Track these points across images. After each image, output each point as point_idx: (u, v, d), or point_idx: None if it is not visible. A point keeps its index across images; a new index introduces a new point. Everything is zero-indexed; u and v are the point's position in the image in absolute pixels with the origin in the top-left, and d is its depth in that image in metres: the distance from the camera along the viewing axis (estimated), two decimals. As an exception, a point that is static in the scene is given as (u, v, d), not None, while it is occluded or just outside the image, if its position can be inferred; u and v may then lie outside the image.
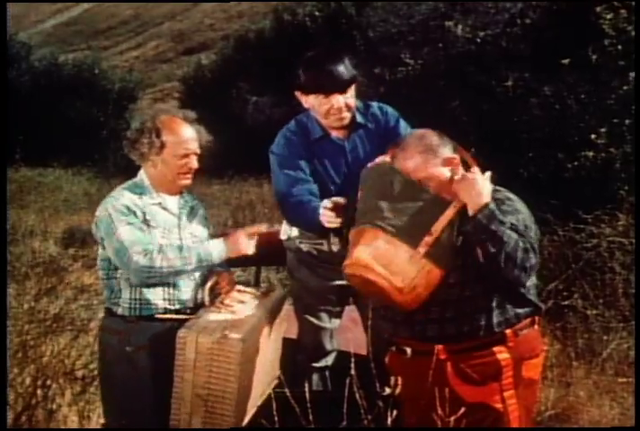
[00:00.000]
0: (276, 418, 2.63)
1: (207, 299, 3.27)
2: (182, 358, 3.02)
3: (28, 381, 4.13)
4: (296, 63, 3.49)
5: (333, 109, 3.42)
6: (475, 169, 2.84)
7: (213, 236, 3.35)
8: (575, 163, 6.86)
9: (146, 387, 3.13)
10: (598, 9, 7.43)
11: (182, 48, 24.77)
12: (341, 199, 3.16)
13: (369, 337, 2.96)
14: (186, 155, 3.22)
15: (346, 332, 3.70)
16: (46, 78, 17.52)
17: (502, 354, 2.80)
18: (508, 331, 2.82)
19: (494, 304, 2.80)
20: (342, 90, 3.40)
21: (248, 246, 3.22)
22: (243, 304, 3.24)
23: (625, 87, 6.87)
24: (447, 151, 2.86)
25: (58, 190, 12.26)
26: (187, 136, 3.23)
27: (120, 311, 3.18)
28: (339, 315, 3.75)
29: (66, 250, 8.50)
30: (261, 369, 3.23)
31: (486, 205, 2.72)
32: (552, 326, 5.14)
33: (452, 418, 2.51)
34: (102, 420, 3.49)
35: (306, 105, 3.51)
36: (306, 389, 2.72)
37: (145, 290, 3.16)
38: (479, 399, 2.78)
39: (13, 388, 4.03)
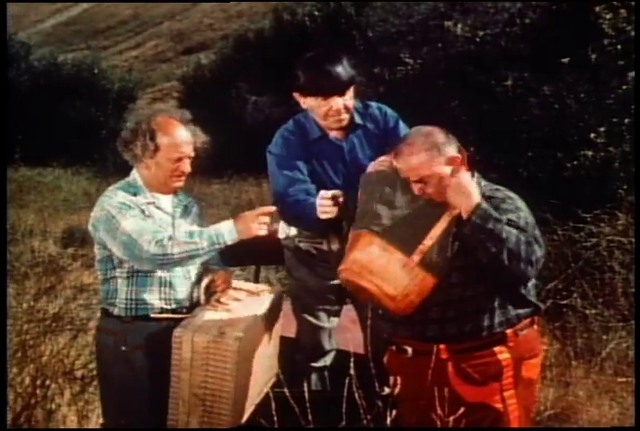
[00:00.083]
0: (275, 418, 2.63)
1: (203, 298, 3.26)
2: (179, 357, 3.02)
3: (27, 380, 4.12)
4: (295, 63, 3.49)
5: (332, 110, 3.42)
6: (461, 172, 2.82)
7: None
8: (575, 163, 6.86)
9: (144, 387, 3.13)
10: (597, 9, 7.43)
11: (181, 48, 24.76)
12: (337, 192, 3.16)
13: (368, 336, 2.96)
14: (179, 159, 3.20)
15: (345, 332, 3.70)
16: (45, 78, 17.50)
17: (502, 354, 2.81)
18: (509, 331, 2.83)
19: (496, 304, 2.81)
20: (341, 92, 3.40)
21: (259, 227, 3.11)
22: (239, 302, 3.24)
23: (624, 87, 6.87)
24: (451, 150, 2.85)
25: (58, 190, 12.26)
26: (181, 139, 3.20)
27: (116, 311, 3.18)
28: (337, 314, 3.75)
29: (65, 250, 8.49)
30: (258, 367, 3.22)
31: (478, 205, 2.71)
32: (551, 325, 5.14)
33: (451, 418, 2.51)
34: (101, 420, 3.49)
35: (304, 106, 3.51)
36: (305, 389, 2.72)
37: (141, 290, 3.16)
38: (479, 399, 2.78)
39: (13, 388, 4.02)
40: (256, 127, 12.90)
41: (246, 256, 4.12)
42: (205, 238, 3.05)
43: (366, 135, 3.57)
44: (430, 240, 2.73)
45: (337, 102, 3.40)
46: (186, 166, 3.23)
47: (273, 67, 12.30)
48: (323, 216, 3.19)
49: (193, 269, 3.27)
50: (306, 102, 3.48)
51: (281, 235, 3.65)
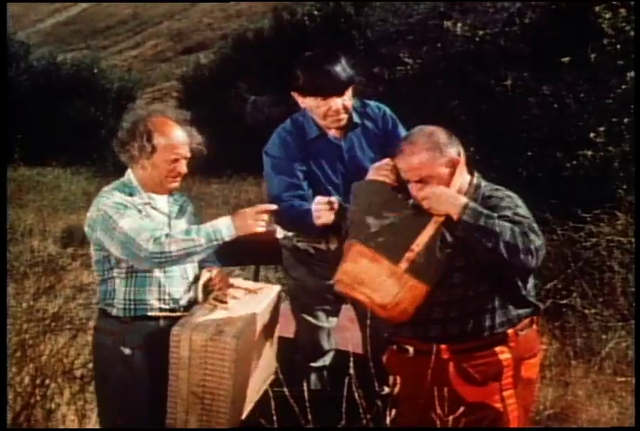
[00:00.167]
0: (275, 418, 2.63)
1: (200, 296, 3.27)
2: (177, 356, 3.02)
3: (27, 380, 4.12)
4: (294, 63, 3.49)
5: (331, 111, 3.42)
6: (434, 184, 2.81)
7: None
8: (574, 162, 6.86)
9: (143, 387, 3.13)
10: (597, 8, 7.43)
11: (180, 48, 24.73)
12: (332, 198, 3.15)
13: (367, 336, 2.96)
14: (176, 160, 3.19)
15: (344, 331, 3.69)
16: (45, 77, 17.50)
17: (503, 354, 2.81)
18: (510, 331, 2.83)
19: (497, 304, 2.81)
20: (340, 92, 3.40)
21: (257, 224, 3.10)
22: (237, 301, 3.24)
23: (623, 86, 6.87)
24: (453, 151, 2.84)
25: (57, 189, 12.25)
26: (178, 140, 3.20)
27: (114, 312, 3.17)
28: (336, 314, 3.74)
29: (64, 250, 8.49)
30: (256, 365, 3.23)
31: (466, 205, 2.72)
32: (551, 325, 5.14)
33: (451, 418, 2.51)
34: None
35: (302, 106, 3.51)
36: (305, 388, 2.72)
37: (139, 290, 3.16)
38: (479, 398, 2.79)
39: (12, 387, 4.02)
40: (255, 126, 12.88)
41: (246, 255, 4.12)
42: (203, 235, 3.04)
43: (364, 134, 3.57)
44: (416, 247, 2.74)
45: (336, 102, 3.40)
46: (182, 167, 3.22)
47: (273, 67, 12.30)
48: (319, 222, 3.19)
49: (191, 269, 3.27)
50: (305, 102, 3.47)
51: (279, 235, 3.66)
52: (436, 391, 2.61)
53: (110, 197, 3.13)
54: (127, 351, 3.12)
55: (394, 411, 2.51)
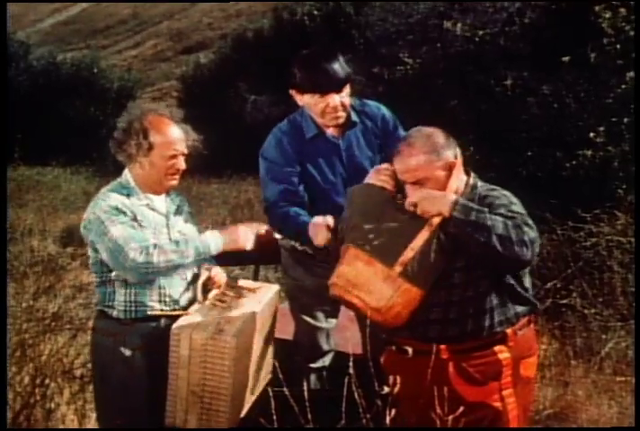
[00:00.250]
0: (274, 417, 2.63)
1: (200, 295, 3.27)
2: (176, 355, 3.02)
3: (26, 379, 4.12)
4: (291, 61, 3.50)
5: (329, 108, 3.42)
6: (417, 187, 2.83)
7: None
8: (574, 162, 6.86)
9: (142, 387, 3.13)
10: (597, 8, 7.42)
11: (180, 47, 24.72)
12: (330, 220, 3.14)
13: (367, 335, 2.96)
14: (174, 156, 3.20)
15: (344, 331, 3.69)
16: (44, 77, 17.48)
17: (502, 353, 2.82)
18: (509, 331, 2.84)
19: (495, 304, 2.82)
20: (338, 89, 3.41)
21: (246, 240, 3.17)
22: (235, 300, 3.24)
23: (623, 86, 6.87)
24: (450, 154, 2.85)
25: (57, 189, 12.25)
26: (175, 136, 3.20)
27: (114, 313, 3.17)
28: (335, 315, 3.74)
29: (64, 249, 8.49)
30: (255, 364, 3.23)
31: (456, 201, 2.73)
32: (550, 325, 5.14)
33: (450, 417, 2.52)
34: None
35: (300, 103, 3.51)
36: (305, 388, 2.72)
37: (139, 292, 3.15)
38: (479, 398, 2.79)
39: (12, 387, 4.02)
40: (255, 126, 12.87)
41: (245, 255, 4.11)
42: (191, 247, 3.09)
43: (363, 132, 3.57)
44: (411, 251, 2.74)
45: (334, 99, 3.41)
46: (181, 163, 3.23)
47: (272, 67, 12.30)
48: (316, 243, 3.19)
49: (189, 270, 3.27)
50: (303, 100, 3.48)
51: (278, 235, 3.66)
52: (436, 390, 2.61)
53: (106, 200, 3.13)
54: (127, 352, 3.12)
55: (393, 411, 2.51)
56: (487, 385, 2.82)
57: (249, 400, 3.26)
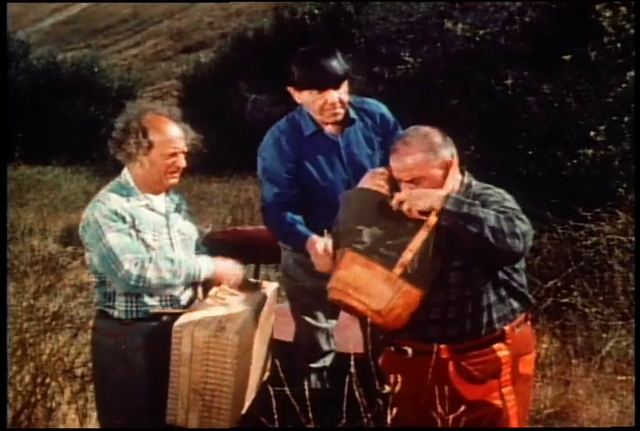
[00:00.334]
0: (276, 417, 2.63)
1: (200, 293, 3.27)
2: (178, 353, 3.02)
3: (27, 379, 4.12)
4: (289, 58, 3.50)
5: (327, 104, 3.41)
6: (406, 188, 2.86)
7: (212, 234, 3.35)
8: (574, 161, 6.85)
9: (144, 387, 3.14)
10: (597, 7, 7.42)
11: (180, 47, 24.68)
12: (329, 244, 3.14)
13: (368, 334, 2.96)
14: (174, 154, 3.20)
15: (345, 330, 3.69)
16: (44, 77, 17.46)
17: (501, 351, 2.83)
18: (507, 328, 2.86)
19: (493, 301, 2.83)
20: (336, 85, 3.40)
21: (231, 278, 3.24)
22: (235, 297, 3.25)
23: (624, 85, 6.86)
24: (446, 153, 2.86)
25: (57, 188, 12.24)
26: (174, 134, 3.20)
27: (115, 314, 3.18)
28: (335, 315, 3.73)
29: (64, 248, 8.49)
30: (256, 361, 3.24)
31: (447, 196, 2.74)
32: (551, 324, 5.14)
33: (451, 417, 2.52)
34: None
35: (299, 101, 3.51)
36: (306, 387, 2.72)
37: (140, 292, 3.15)
38: (479, 396, 2.80)
39: (13, 386, 4.02)
40: (256, 125, 12.84)
41: (246, 254, 4.11)
42: (184, 268, 3.11)
43: (362, 130, 3.57)
44: (409, 252, 2.75)
45: (332, 95, 3.40)
46: (181, 161, 3.23)
47: (273, 66, 12.28)
48: (319, 270, 3.21)
49: (176, 291, 3.27)
50: (301, 97, 3.47)
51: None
52: (437, 390, 2.61)
53: (106, 203, 3.13)
54: (128, 352, 3.12)
55: (394, 410, 2.51)
56: (487, 383, 2.83)
57: (250, 396, 3.26)
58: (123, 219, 3.11)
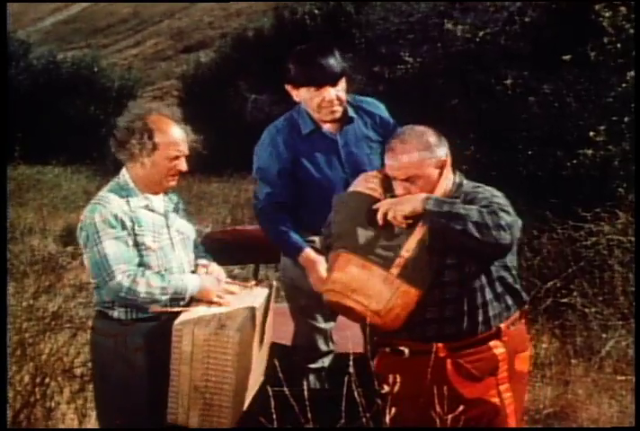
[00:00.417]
0: (274, 417, 2.63)
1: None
2: (179, 351, 3.02)
3: (26, 378, 4.12)
4: (287, 57, 3.50)
5: (325, 101, 3.42)
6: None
7: (212, 234, 3.35)
8: (574, 161, 6.85)
9: (144, 386, 3.13)
10: (597, 7, 7.41)
11: (181, 46, 24.68)
12: (323, 262, 3.17)
13: (367, 334, 2.96)
14: (177, 157, 3.19)
15: (344, 330, 3.69)
16: (45, 76, 17.46)
17: (498, 348, 2.86)
18: (503, 325, 2.88)
19: (489, 298, 2.85)
20: (333, 82, 3.40)
21: (216, 295, 3.21)
22: (234, 296, 3.25)
23: (624, 85, 6.86)
24: (442, 152, 2.89)
25: (57, 188, 12.25)
26: (178, 137, 3.20)
27: (115, 314, 3.17)
28: (335, 315, 3.73)
29: (64, 248, 8.49)
30: (256, 358, 3.24)
31: (427, 197, 2.76)
32: (551, 324, 5.14)
33: (450, 416, 2.52)
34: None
35: (296, 99, 3.51)
36: (305, 387, 2.72)
37: None
38: (477, 394, 2.82)
39: (12, 386, 4.02)
40: (256, 125, 12.82)
41: (245, 255, 4.12)
42: (173, 286, 3.11)
43: (361, 129, 3.57)
44: (406, 252, 2.76)
45: (330, 93, 3.41)
46: (182, 165, 3.23)
47: (273, 66, 12.27)
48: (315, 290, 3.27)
49: (187, 267, 3.28)
50: (299, 94, 3.48)
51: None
52: (435, 389, 2.61)
53: (106, 206, 3.12)
54: (129, 353, 3.12)
55: (393, 410, 2.52)
56: (485, 381, 2.85)
57: (250, 394, 3.26)
58: (122, 224, 3.10)
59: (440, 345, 2.82)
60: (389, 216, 2.79)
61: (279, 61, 3.74)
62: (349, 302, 2.77)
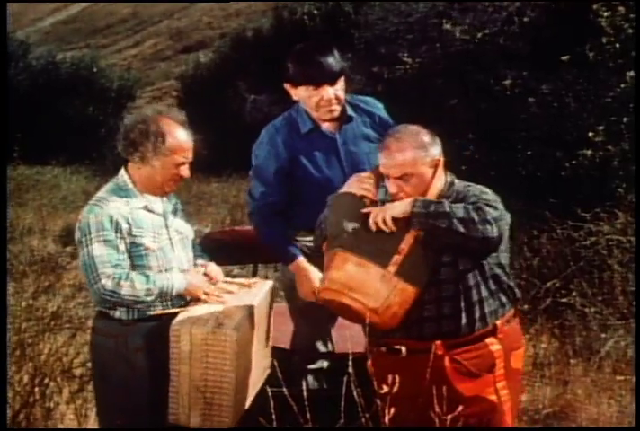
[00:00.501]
0: (274, 417, 2.63)
1: None
2: (177, 351, 3.02)
3: (26, 379, 4.13)
4: (285, 56, 3.51)
5: (323, 100, 3.42)
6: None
7: (211, 234, 3.35)
8: (573, 162, 6.85)
9: (144, 387, 3.13)
10: (595, 7, 7.41)
11: (180, 47, 24.66)
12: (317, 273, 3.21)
13: (367, 334, 2.96)
14: (183, 163, 3.20)
15: (344, 329, 3.69)
16: (44, 76, 17.44)
17: (494, 345, 2.89)
18: (498, 323, 2.91)
19: (485, 296, 2.87)
20: (332, 81, 3.41)
21: (203, 293, 3.21)
22: (232, 295, 3.25)
23: (623, 85, 6.86)
24: (436, 151, 2.92)
25: (57, 188, 12.24)
26: (187, 143, 3.20)
27: (117, 314, 3.18)
28: (334, 316, 3.72)
29: (64, 248, 8.50)
30: (255, 356, 3.24)
31: (415, 199, 2.80)
32: (550, 324, 5.15)
33: (449, 416, 2.52)
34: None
35: (295, 97, 3.51)
36: (304, 388, 2.72)
37: None
38: (475, 392, 2.84)
39: (12, 386, 4.02)
40: (255, 125, 12.83)
41: (244, 254, 4.12)
42: (158, 286, 3.10)
43: (360, 127, 3.57)
44: (403, 250, 2.78)
45: (328, 92, 3.41)
46: (186, 171, 3.23)
47: (272, 66, 12.27)
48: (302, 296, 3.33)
49: (187, 267, 3.28)
50: (298, 93, 3.48)
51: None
52: (434, 388, 2.62)
53: (103, 208, 3.12)
54: (129, 353, 3.13)
55: (392, 410, 2.52)
56: (482, 378, 2.87)
57: (251, 393, 3.26)
58: (117, 226, 3.10)
59: (438, 343, 2.83)
60: (379, 221, 2.81)
61: (278, 61, 3.74)
62: (346, 300, 2.77)
